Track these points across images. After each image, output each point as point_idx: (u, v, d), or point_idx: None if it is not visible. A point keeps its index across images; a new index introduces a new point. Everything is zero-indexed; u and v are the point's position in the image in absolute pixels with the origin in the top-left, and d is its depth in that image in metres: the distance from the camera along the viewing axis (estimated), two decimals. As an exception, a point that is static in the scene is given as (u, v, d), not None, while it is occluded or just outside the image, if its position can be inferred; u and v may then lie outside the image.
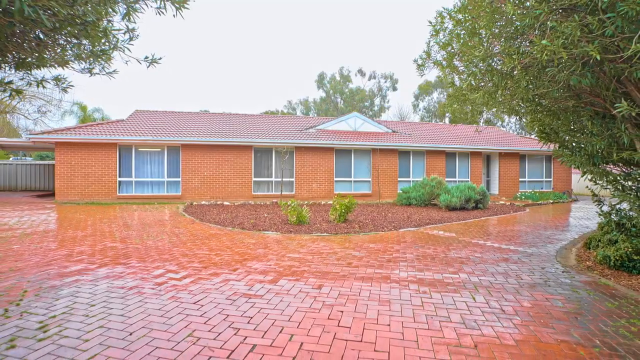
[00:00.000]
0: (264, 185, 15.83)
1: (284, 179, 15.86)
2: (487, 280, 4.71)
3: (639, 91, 3.95)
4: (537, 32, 3.53)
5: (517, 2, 3.61)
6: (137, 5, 2.49)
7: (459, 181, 17.90)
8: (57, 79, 4.14)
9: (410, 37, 67.07)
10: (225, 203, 14.47)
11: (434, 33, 5.72)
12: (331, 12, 71.55)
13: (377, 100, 49.49)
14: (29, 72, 3.86)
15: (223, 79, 73.58)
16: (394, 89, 49.33)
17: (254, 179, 15.59)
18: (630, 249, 4.95)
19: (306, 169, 16.08)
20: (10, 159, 28.14)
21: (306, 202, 15.20)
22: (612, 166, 5.79)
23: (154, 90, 67.24)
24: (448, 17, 5.32)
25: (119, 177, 14.53)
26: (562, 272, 5.21)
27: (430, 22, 5.71)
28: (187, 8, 2.44)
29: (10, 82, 3.54)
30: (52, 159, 27.69)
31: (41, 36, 2.86)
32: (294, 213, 8.96)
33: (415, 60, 6.01)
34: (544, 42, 3.18)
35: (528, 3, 3.63)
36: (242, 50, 74.62)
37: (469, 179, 18.23)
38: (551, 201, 16.86)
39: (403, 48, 69.03)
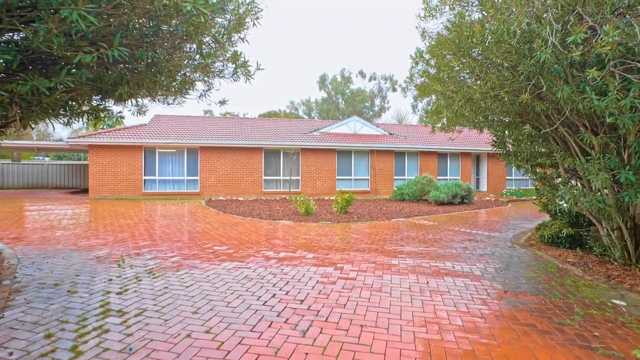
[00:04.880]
0: (273, 183, 17.57)
1: (291, 178, 17.58)
2: (450, 252, 6.41)
3: (551, 114, 5.63)
4: (474, 77, 5.23)
5: (460, 58, 5.29)
6: (221, 74, 4.17)
7: (450, 179, 19.55)
8: (138, 105, 5.86)
9: (411, 39, 68.56)
10: (240, 199, 16.20)
11: (414, 65, 7.42)
12: (333, 14, 73.12)
13: (377, 101, 51.03)
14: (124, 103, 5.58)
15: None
16: (394, 89, 50.75)
17: (264, 177, 17.33)
18: (557, 230, 6.65)
19: (311, 168, 17.81)
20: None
21: (311, 197, 16.90)
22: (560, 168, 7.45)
23: (159, 90, 69.02)
24: (423, 54, 7.01)
25: (144, 175, 16.28)
26: (509, 247, 6.92)
27: (411, 56, 7.39)
28: (254, 78, 4.13)
29: (120, 112, 5.25)
30: (69, 159, 29.47)
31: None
32: (302, 206, 10.67)
33: (400, 85, 7.71)
34: (474, 87, 4.87)
35: (470, 58, 5.31)
36: (244, 51, 76.21)
37: (459, 177, 19.92)
38: (534, 197, 18.51)
39: (403, 50, 70.51)
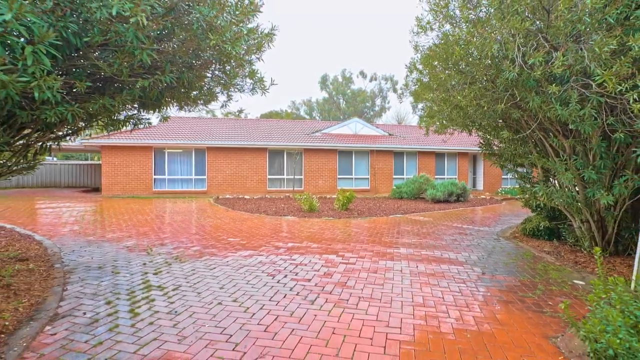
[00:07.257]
0: (277, 182, 18.32)
1: (295, 177, 18.33)
2: (440, 243, 7.14)
3: (528, 120, 6.35)
4: (460, 87, 5.95)
5: (447, 71, 6.02)
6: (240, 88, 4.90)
7: (447, 178, 20.26)
8: (161, 112, 6.59)
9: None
10: (246, 197, 16.95)
11: (409, 73, 8.14)
12: (334, 15, 73.78)
13: (377, 101, 51.58)
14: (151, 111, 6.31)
15: (229, 79, 75.91)
16: (394, 90, 51.31)
17: (268, 176, 18.08)
18: (537, 223, 7.37)
19: (313, 168, 18.55)
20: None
21: (314, 195, 17.63)
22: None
23: (162, 91, 69.78)
24: (417, 64, 7.73)
25: (154, 175, 17.04)
26: (494, 239, 7.64)
27: (406, 65, 8.12)
28: (269, 92, 4.85)
29: (149, 119, 5.99)
30: (76, 159, 30.25)
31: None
32: (306, 203, 11.41)
33: (396, 91, 8.44)
34: (459, 97, 5.59)
35: (455, 70, 6.03)
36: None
37: (456, 177, 20.63)
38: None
39: (403, 50, 71.20)
